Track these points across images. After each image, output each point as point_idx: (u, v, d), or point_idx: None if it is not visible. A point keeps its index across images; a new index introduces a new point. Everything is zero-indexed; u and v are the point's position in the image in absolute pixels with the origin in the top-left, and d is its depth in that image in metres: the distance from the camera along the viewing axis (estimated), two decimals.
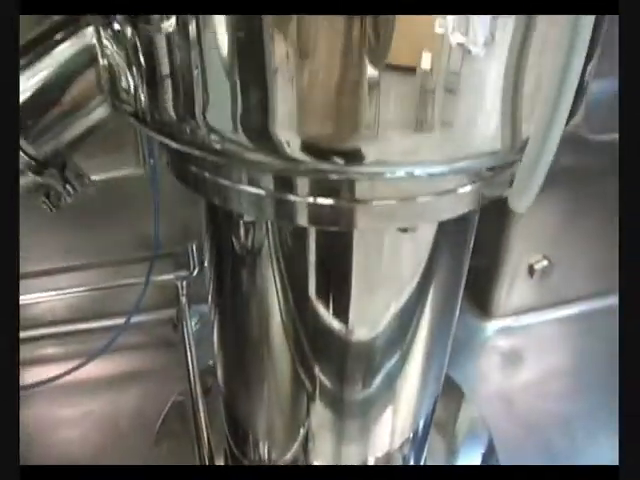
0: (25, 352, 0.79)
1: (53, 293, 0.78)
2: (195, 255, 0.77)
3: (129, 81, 0.34)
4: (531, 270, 0.81)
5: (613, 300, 0.87)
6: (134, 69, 0.34)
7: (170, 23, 0.29)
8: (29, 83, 0.36)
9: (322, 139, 0.29)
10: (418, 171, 0.30)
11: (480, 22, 0.27)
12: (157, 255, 0.73)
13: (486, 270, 0.82)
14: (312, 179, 0.33)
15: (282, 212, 0.35)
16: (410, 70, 0.27)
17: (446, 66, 0.28)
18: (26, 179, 0.38)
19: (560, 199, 0.79)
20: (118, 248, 0.79)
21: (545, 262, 0.81)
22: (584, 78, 0.33)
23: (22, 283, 0.75)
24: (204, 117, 0.31)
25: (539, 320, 0.86)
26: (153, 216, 0.69)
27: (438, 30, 0.27)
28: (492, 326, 0.86)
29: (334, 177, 0.31)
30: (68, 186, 0.40)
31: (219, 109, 0.30)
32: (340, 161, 0.29)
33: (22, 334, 0.79)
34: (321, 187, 0.33)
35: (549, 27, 0.29)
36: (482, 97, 0.29)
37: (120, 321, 0.77)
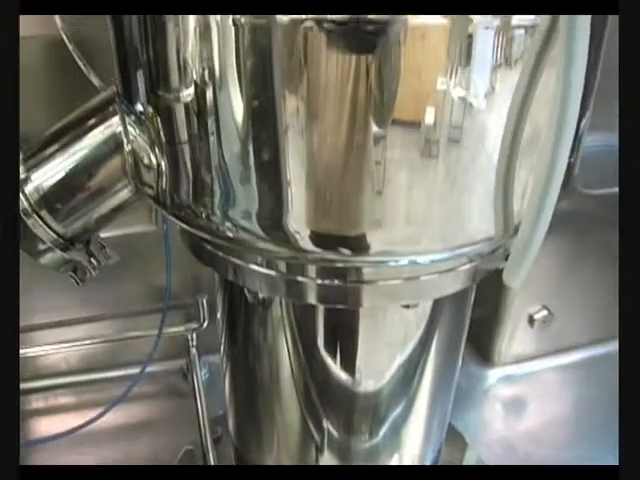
0: (39, 402, 0.81)
1: (67, 345, 0.80)
2: (205, 308, 0.79)
3: (151, 163, 0.37)
4: (531, 320, 0.84)
5: (612, 347, 0.89)
6: (156, 150, 0.36)
7: (189, 92, 0.32)
8: (61, 166, 0.39)
9: (330, 232, 0.32)
10: (420, 259, 0.33)
11: (469, 122, 0.30)
12: (169, 307, 0.75)
13: (487, 320, 0.85)
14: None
15: (293, 291, 0.38)
16: (409, 171, 0.30)
17: (442, 164, 0.31)
18: (54, 255, 0.40)
19: (558, 250, 0.81)
20: (130, 300, 0.81)
21: (545, 312, 0.83)
22: (578, 132, 0.35)
23: (36, 334, 0.79)
24: (220, 206, 0.34)
25: (540, 368, 0.88)
26: (163, 269, 0.72)
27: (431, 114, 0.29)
28: (494, 374, 0.88)
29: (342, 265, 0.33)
30: (93, 259, 0.43)
31: (234, 201, 0.33)
32: (347, 252, 0.32)
33: (36, 384, 0.82)
34: (330, 271, 0.35)
35: (538, 120, 0.31)
36: (477, 187, 0.32)
37: (131, 371, 0.79)
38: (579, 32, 0.28)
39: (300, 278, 0.36)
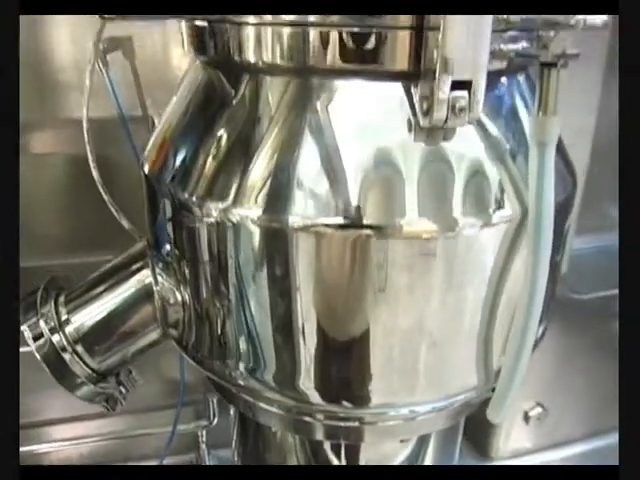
0: None
1: (77, 441, 0.83)
2: (215, 406, 0.83)
3: (176, 301, 0.42)
4: (526, 416, 0.87)
5: (606, 441, 0.92)
6: (181, 288, 0.41)
7: (206, 212, 0.36)
8: (98, 310, 0.44)
9: (335, 387, 0.37)
10: (418, 409, 0.38)
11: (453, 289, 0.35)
12: (182, 404, 0.79)
13: (483, 417, 0.88)
14: None
15: (301, 429, 0.42)
16: (401, 340, 0.36)
17: (428, 337, 0.36)
18: (89, 389, 0.45)
19: (550, 349, 0.85)
20: (141, 396, 0.84)
21: (539, 409, 0.87)
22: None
23: (47, 430, 0.82)
24: (234, 356, 0.39)
25: (537, 462, 0.91)
26: (173, 366, 0.75)
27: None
28: None
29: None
30: (122, 388, 0.47)
31: (248, 354, 0.38)
32: (349, 405, 0.37)
33: None
34: (335, 415, 0.40)
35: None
36: (462, 349, 0.37)
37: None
38: (545, 224, 0.33)
39: (308, 419, 0.40)
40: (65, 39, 0.63)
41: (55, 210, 0.74)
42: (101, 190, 0.50)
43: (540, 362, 0.84)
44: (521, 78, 0.38)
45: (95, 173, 0.50)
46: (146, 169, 0.41)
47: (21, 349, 0.41)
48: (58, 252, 0.75)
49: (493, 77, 0.33)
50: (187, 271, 0.40)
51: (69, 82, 0.65)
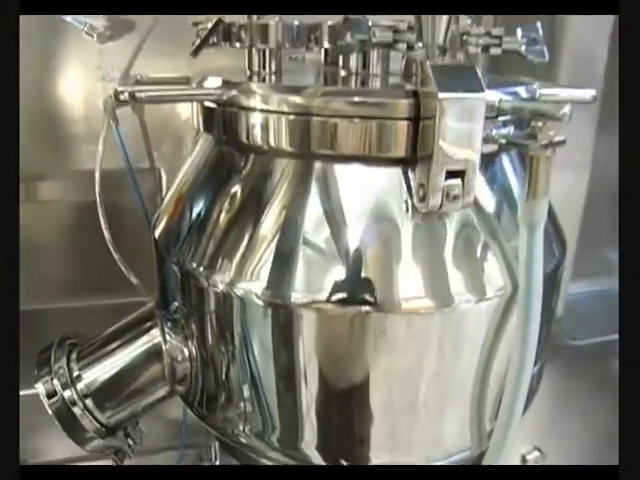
0: None
1: None
2: (217, 450, 0.84)
3: (184, 357, 0.44)
4: (524, 460, 0.88)
5: None
6: (189, 344, 0.43)
7: (212, 283, 0.38)
8: (109, 367, 0.45)
9: (336, 452, 0.38)
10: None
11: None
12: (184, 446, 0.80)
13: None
14: None
15: None
16: (402, 405, 0.37)
17: (425, 405, 0.38)
18: (98, 443, 0.46)
19: (547, 393, 0.86)
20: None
21: (536, 453, 0.88)
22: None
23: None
24: (237, 416, 0.40)
25: None
26: (176, 408, 0.77)
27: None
28: None
29: None
30: (130, 440, 0.49)
31: (253, 415, 0.39)
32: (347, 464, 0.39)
33: None
34: None
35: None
36: (457, 415, 0.39)
37: None
38: (534, 299, 0.35)
39: None
40: (76, 94, 0.66)
41: (60, 254, 0.76)
42: (111, 249, 0.52)
43: (537, 406, 0.84)
44: (513, 152, 0.40)
45: (107, 234, 0.52)
46: (156, 234, 0.43)
47: (26, 392, 0.43)
48: (63, 295, 0.77)
49: (485, 158, 0.35)
50: (195, 332, 0.42)
51: (78, 134, 0.67)
